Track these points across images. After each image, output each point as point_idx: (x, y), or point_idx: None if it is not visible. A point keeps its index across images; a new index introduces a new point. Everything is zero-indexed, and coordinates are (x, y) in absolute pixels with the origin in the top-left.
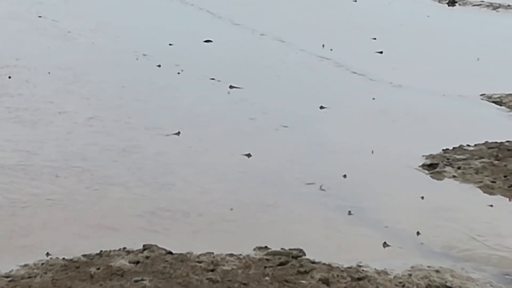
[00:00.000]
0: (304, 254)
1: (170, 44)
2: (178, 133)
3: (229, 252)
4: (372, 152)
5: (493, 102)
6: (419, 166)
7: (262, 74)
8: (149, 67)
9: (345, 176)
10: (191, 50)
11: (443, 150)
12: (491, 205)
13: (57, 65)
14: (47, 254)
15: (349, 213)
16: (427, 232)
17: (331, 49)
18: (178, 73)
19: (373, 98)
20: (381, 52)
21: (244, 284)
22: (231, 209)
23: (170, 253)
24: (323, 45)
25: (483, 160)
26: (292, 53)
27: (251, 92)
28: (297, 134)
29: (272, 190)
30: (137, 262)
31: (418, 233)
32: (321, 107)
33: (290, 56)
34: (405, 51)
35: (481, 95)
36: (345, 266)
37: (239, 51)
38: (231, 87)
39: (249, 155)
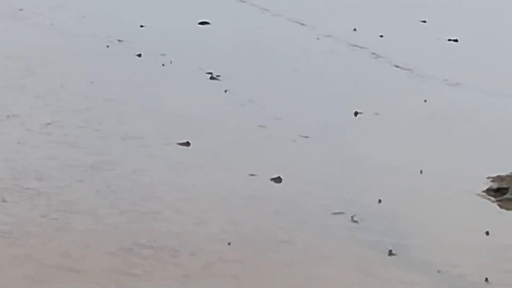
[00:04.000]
0: None
1: (141, 26)
2: (188, 144)
3: None
4: (421, 172)
5: None
6: (483, 191)
7: (275, 67)
8: (126, 56)
9: (380, 201)
10: (182, 35)
11: None
12: None
13: (5, 53)
14: None
15: (390, 252)
16: (494, 279)
17: (381, 36)
18: (163, 65)
19: (425, 101)
20: (456, 40)
21: None
22: (233, 246)
23: None
24: (355, 29)
25: None
26: (314, 39)
27: (260, 91)
28: (321, 147)
29: (288, 221)
30: None
31: (486, 279)
32: (356, 114)
33: (311, 43)
34: (465, 39)
35: None
36: None
37: (244, 36)
38: (212, 78)
39: (278, 180)
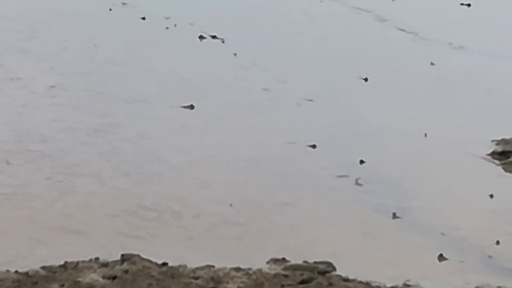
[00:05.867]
0: (334, 269)
1: None
2: (192, 107)
3: (235, 266)
4: (425, 135)
5: None
6: (487, 155)
7: (279, 30)
8: (130, 19)
9: (362, 162)
10: None
11: None
12: None
13: (8, 15)
14: None
15: (394, 215)
16: (499, 242)
17: (393, 0)
18: (167, 28)
19: (432, 63)
20: (468, 5)
21: None
22: (237, 209)
23: (158, 265)
24: None
25: None
26: (318, 2)
27: (264, 54)
28: (325, 110)
29: (291, 183)
30: (114, 278)
31: (498, 242)
32: (366, 80)
33: (315, 6)
34: (478, 4)
35: None
36: (389, 285)
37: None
38: (201, 37)
39: (314, 146)
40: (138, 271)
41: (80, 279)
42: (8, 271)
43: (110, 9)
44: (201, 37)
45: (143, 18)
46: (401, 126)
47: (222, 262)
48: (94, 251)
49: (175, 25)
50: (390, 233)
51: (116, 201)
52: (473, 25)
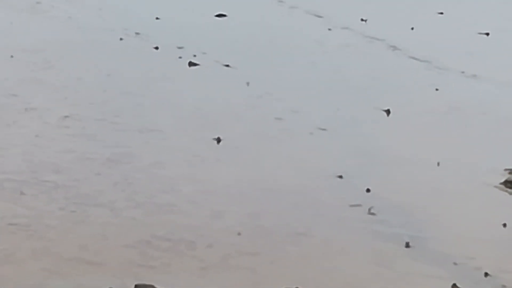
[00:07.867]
0: None
1: (157, 18)
2: (218, 140)
3: None
4: (438, 164)
5: None
6: (501, 184)
7: (292, 60)
8: (143, 49)
9: (368, 190)
10: (199, 28)
11: None
12: None
13: (23, 46)
14: None
15: (407, 245)
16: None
17: (412, 28)
18: (180, 57)
19: (436, 89)
20: (487, 34)
21: None
22: (250, 239)
23: None
24: (362, 19)
25: None
26: (331, 32)
27: (277, 83)
28: (338, 139)
29: (305, 213)
30: None
31: (486, 274)
32: (388, 112)
33: (329, 36)
34: (494, 32)
35: None
36: None
37: (261, 29)
38: (191, 64)
39: (340, 177)
40: None
41: None
42: None
43: (121, 39)
44: (190, 64)
45: (156, 48)
46: (414, 155)
47: None
48: (108, 281)
49: (194, 55)
50: (403, 263)
51: (130, 231)
52: (489, 54)
